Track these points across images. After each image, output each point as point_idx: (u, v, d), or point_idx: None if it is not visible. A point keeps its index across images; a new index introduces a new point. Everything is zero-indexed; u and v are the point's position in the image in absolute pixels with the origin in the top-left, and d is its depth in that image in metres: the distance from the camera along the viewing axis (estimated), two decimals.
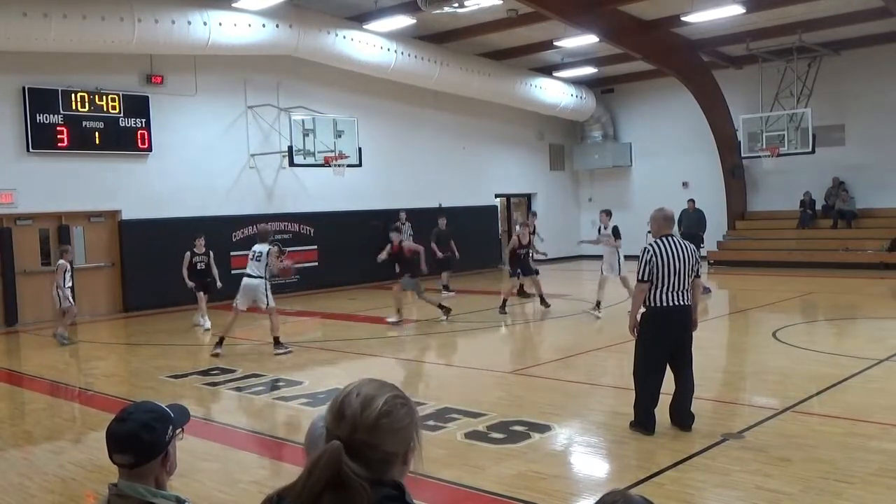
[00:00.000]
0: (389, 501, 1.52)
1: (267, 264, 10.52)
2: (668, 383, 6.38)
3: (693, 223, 20.72)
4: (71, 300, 11.97)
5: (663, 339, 6.26)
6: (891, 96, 19.71)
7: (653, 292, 6.20)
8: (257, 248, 10.73)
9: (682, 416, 6.28)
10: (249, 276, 10.54)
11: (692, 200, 20.90)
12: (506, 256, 16.37)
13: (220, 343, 10.48)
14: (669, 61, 19.83)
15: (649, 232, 6.68)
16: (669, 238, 6.28)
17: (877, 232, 19.48)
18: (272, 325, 10.62)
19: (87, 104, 14.83)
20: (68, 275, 11.92)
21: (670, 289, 6.16)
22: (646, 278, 6.20)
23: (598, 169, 24.93)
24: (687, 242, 6.35)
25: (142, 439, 2.13)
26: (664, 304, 6.18)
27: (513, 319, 14.30)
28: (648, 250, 6.21)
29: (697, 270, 6.31)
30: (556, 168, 25.15)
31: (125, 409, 2.23)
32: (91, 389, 9.08)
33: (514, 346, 11.78)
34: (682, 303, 6.20)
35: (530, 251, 14.64)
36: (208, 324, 12.88)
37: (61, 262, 11.85)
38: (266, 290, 10.44)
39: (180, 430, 2.26)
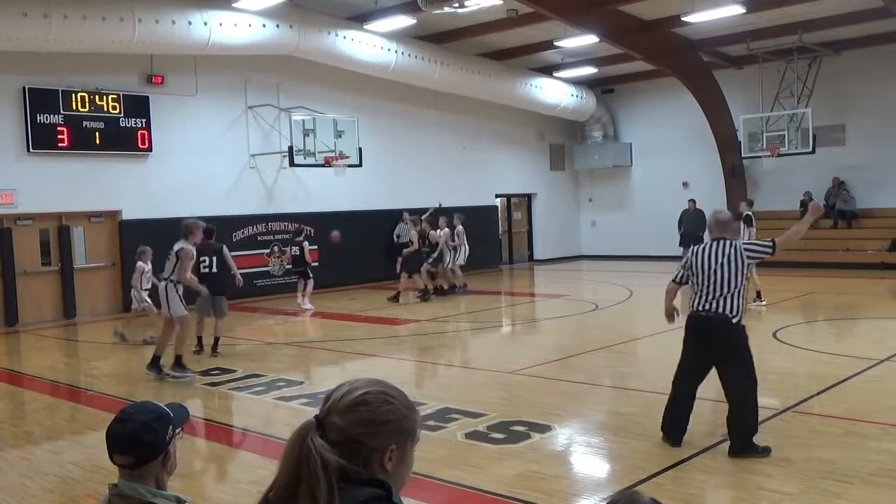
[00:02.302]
0: (376, 501, 1.52)
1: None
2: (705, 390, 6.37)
3: (694, 223, 20.76)
4: (148, 301, 11.71)
5: (690, 348, 6.02)
6: (891, 96, 19.71)
7: (690, 297, 6.03)
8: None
9: (728, 434, 5.82)
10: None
11: (693, 200, 20.94)
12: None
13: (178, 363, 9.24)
14: (669, 61, 19.83)
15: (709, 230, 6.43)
16: (719, 242, 5.93)
17: (877, 232, 19.48)
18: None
19: (87, 104, 14.83)
20: (146, 277, 11.67)
21: (701, 295, 5.89)
22: (676, 279, 6.15)
23: (598, 169, 24.92)
24: (738, 246, 5.88)
25: (142, 440, 2.13)
26: (693, 309, 5.95)
27: (512, 319, 14.31)
28: (689, 252, 6.08)
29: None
30: (556, 168, 25.15)
31: (125, 409, 2.24)
32: (91, 389, 9.09)
33: (514, 346, 11.77)
34: (711, 311, 5.81)
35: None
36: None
37: (140, 263, 11.65)
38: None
39: (180, 429, 2.27)
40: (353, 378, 1.68)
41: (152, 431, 2.15)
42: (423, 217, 17.26)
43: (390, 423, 1.60)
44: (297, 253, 15.06)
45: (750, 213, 14.79)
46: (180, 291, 9.23)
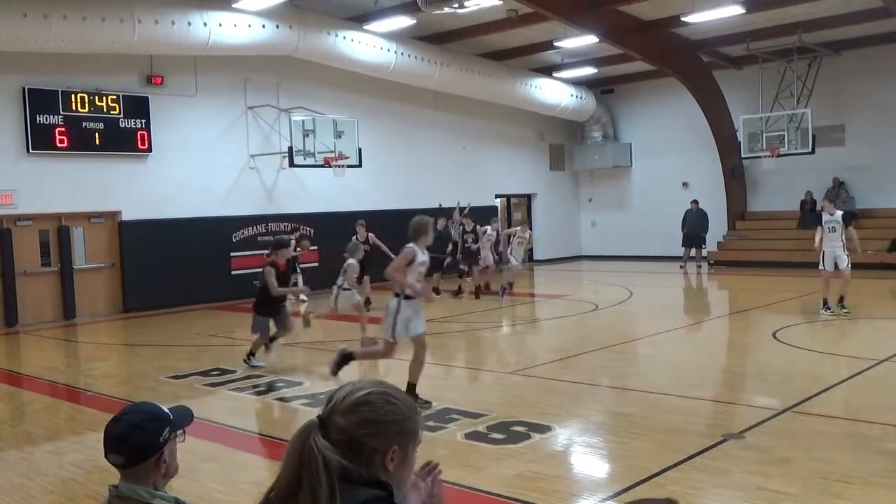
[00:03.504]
0: (377, 502, 1.52)
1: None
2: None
3: (696, 223, 20.80)
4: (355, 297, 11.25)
5: None
6: (891, 96, 19.71)
7: None
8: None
9: None
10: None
11: (695, 201, 20.99)
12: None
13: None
14: (669, 61, 19.83)
15: None
16: None
17: (877, 232, 19.46)
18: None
19: (86, 105, 14.82)
20: (353, 274, 11.13)
21: None
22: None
23: (598, 169, 24.93)
24: None
25: (131, 440, 2.12)
26: None
27: (512, 319, 14.32)
28: None
29: None
30: (556, 168, 25.15)
31: (123, 409, 2.23)
32: (91, 390, 9.08)
33: (514, 346, 11.77)
34: None
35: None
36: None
37: (351, 261, 11.12)
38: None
39: (182, 432, 2.25)
40: (354, 379, 1.69)
41: (142, 432, 2.13)
42: (464, 213, 17.49)
43: (392, 424, 1.61)
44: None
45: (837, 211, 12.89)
46: (407, 309, 7.77)
